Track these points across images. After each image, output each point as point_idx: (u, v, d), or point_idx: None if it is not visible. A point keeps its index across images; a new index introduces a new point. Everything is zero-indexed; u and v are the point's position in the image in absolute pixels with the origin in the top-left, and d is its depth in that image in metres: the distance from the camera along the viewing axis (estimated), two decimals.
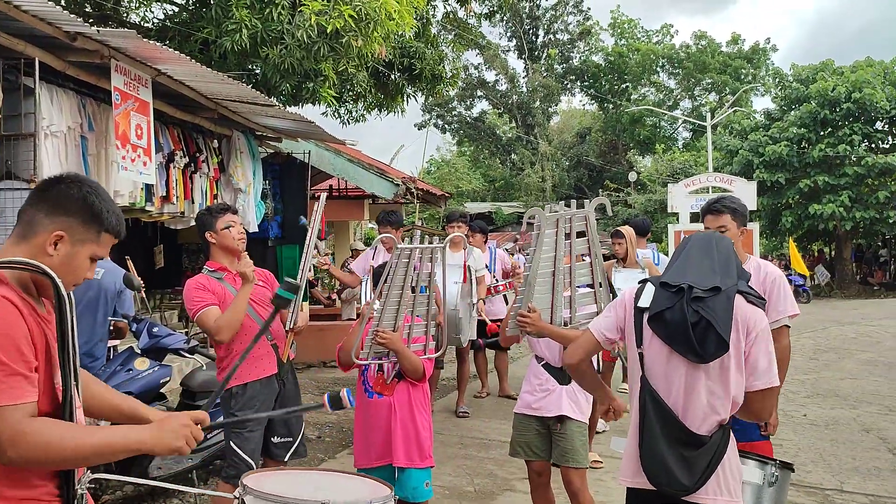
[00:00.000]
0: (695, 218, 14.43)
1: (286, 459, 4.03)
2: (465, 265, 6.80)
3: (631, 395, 2.72)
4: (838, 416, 7.84)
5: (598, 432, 6.17)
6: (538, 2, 38.83)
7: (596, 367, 3.57)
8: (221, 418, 4.11)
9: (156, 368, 4.73)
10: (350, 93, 10.00)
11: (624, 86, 41.10)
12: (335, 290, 13.59)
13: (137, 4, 9.90)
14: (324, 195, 4.34)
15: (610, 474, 5.54)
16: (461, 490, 5.37)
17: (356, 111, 11.31)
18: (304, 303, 9.90)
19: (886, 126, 26.49)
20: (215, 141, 7.40)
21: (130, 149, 5.41)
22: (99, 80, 5.47)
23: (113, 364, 4.76)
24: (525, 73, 40.06)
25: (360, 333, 3.61)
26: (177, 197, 6.65)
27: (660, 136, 39.68)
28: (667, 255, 9.95)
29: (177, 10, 9.14)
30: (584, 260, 3.60)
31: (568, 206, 3.49)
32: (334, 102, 9.31)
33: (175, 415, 1.95)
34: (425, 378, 3.76)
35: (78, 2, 8.92)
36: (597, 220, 3.59)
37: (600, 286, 3.60)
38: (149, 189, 6.18)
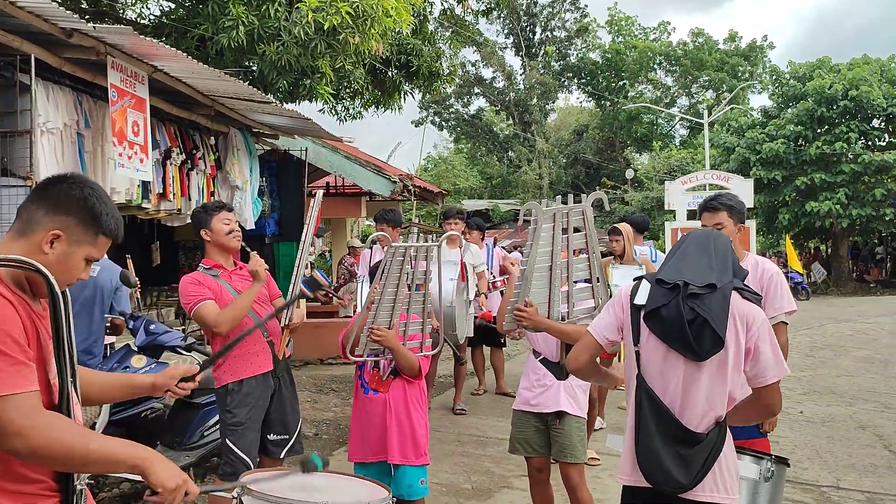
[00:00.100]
0: (692, 215, 14.44)
1: (282, 457, 4.03)
2: (461, 262, 6.81)
3: (627, 392, 2.72)
4: (834, 413, 7.86)
5: (595, 430, 6.18)
6: None
7: None
8: (217, 417, 4.11)
9: (152, 366, 4.72)
10: (347, 90, 9.98)
11: (621, 83, 41.09)
12: (332, 288, 13.59)
13: (134, 1, 9.86)
14: (320, 192, 4.34)
15: (607, 471, 5.55)
16: (458, 487, 5.38)
17: (353, 108, 11.29)
18: (300, 300, 9.91)
19: (883, 124, 26.53)
20: (212, 138, 7.39)
21: (127, 146, 5.40)
22: (95, 76, 5.45)
23: (110, 361, 4.75)
24: (522, 71, 40.06)
25: (357, 328, 3.61)
26: (173, 194, 6.63)
27: (657, 134, 39.70)
28: (664, 252, 9.96)
29: (173, 6, 9.11)
30: (581, 255, 3.60)
31: (565, 201, 3.49)
32: (331, 99, 9.29)
33: (176, 468, 1.89)
34: (421, 375, 3.76)
35: None
36: (594, 217, 3.59)
37: (598, 281, 3.60)
38: (145, 186, 6.17)
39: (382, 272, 3.48)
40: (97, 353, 4.87)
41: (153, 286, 10.90)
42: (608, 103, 40.08)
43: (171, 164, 6.57)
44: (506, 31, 40.17)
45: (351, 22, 7.24)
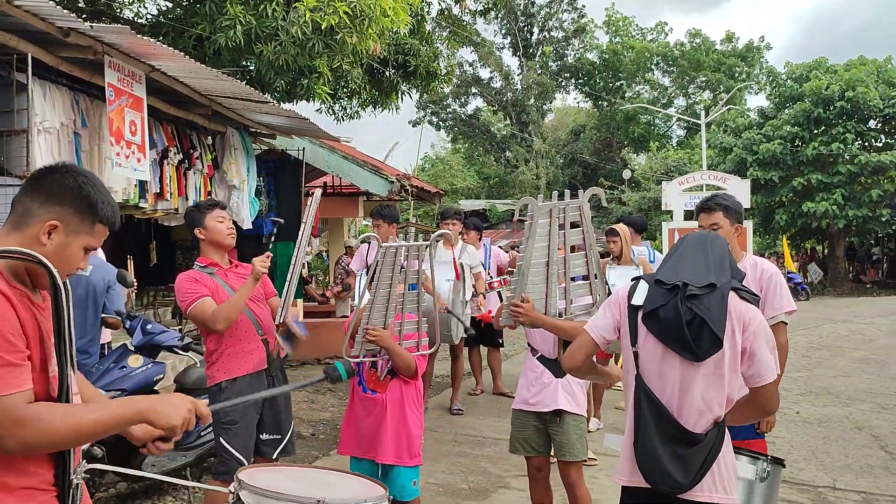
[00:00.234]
0: (689, 216, 14.47)
1: (275, 457, 4.02)
2: (454, 262, 6.81)
3: (626, 393, 2.72)
4: (831, 413, 7.88)
5: (590, 430, 6.18)
6: None
7: None
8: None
9: (149, 366, 4.72)
10: (344, 89, 9.99)
11: (618, 83, 41.13)
12: (329, 287, 13.59)
13: (131, 0, 9.86)
14: (318, 192, 4.33)
15: (604, 471, 5.55)
16: (455, 487, 5.38)
17: (350, 108, 11.29)
18: (297, 299, 9.90)
19: (879, 124, 26.59)
20: (209, 137, 7.38)
21: (125, 145, 5.39)
22: (92, 76, 5.45)
23: (106, 361, 4.74)
24: (519, 71, 40.09)
25: (352, 327, 3.61)
26: (171, 193, 6.63)
27: (654, 134, 39.74)
28: (661, 252, 9.97)
29: (171, 5, 9.10)
30: (578, 251, 3.60)
31: (562, 197, 3.48)
32: (329, 99, 9.29)
33: (180, 395, 1.95)
34: (418, 375, 3.76)
35: None
36: (592, 217, 3.59)
37: (595, 277, 3.60)
38: (142, 185, 6.17)
39: (374, 272, 3.48)
40: (93, 352, 4.86)
41: (150, 286, 10.89)
42: (605, 104, 40.12)
43: (168, 163, 6.57)
44: (503, 32, 40.22)
45: (348, 22, 7.25)
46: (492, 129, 40.60)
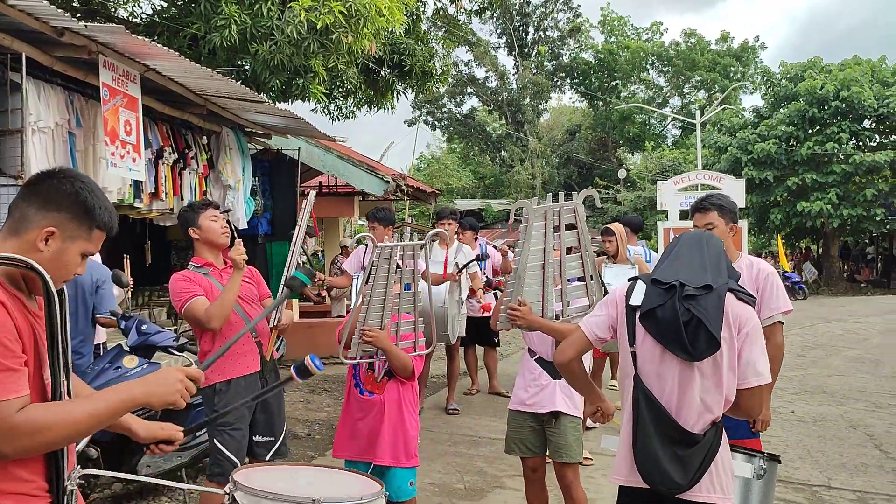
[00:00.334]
0: (684, 215, 14.48)
1: (268, 459, 4.02)
2: (445, 261, 6.81)
3: (623, 393, 2.71)
4: (826, 412, 7.89)
5: (587, 428, 6.18)
6: None
7: (587, 366, 3.57)
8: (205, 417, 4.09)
9: (144, 366, 4.70)
10: (340, 89, 9.97)
11: (613, 83, 41.18)
12: (325, 288, 13.57)
13: None
14: (312, 193, 4.32)
15: (600, 471, 5.56)
16: (451, 487, 5.38)
17: (346, 108, 11.27)
18: (292, 299, 9.89)
19: (874, 124, 26.66)
20: (204, 137, 7.37)
21: (119, 145, 5.38)
22: (87, 75, 5.43)
23: (101, 362, 4.73)
24: (515, 70, 40.14)
25: (349, 327, 3.60)
26: (166, 193, 6.61)
27: (649, 134, 39.82)
28: (656, 251, 9.99)
29: (165, 5, 9.07)
30: (574, 253, 3.60)
31: (556, 199, 3.48)
32: (324, 99, 9.26)
33: (169, 368, 1.94)
34: (415, 376, 3.75)
35: None
36: (587, 217, 3.59)
37: (591, 279, 3.60)
38: (137, 185, 6.15)
39: (370, 273, 3.48)
40: (85, 352, 4.84)
41: (145, 286, 10.86)
42: (601, 103, 40.18)
43: (163, 163, 6.55)
44: (499, 31, 40.24)
45: (344, 21, 7.23)
46: (487, 129, 40.63)
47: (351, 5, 7.24)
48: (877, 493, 5.39)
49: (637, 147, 39.05)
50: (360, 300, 3.60)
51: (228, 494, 2.10)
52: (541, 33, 40.73)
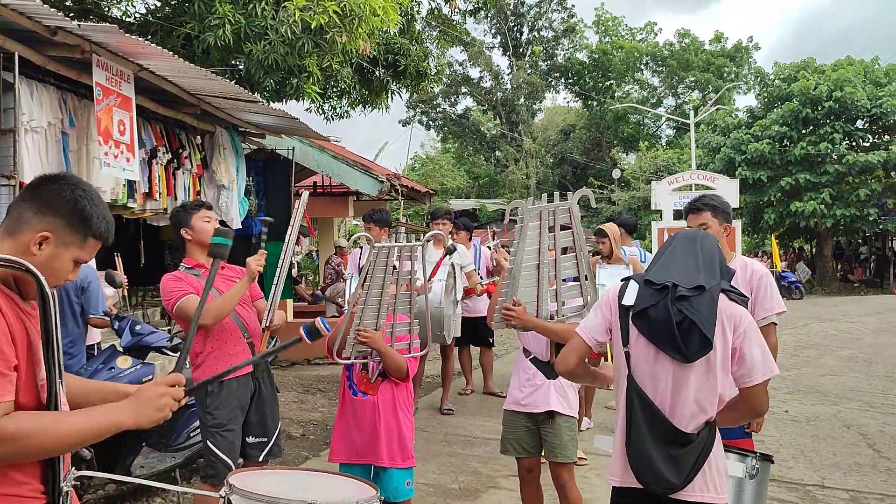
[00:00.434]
0: (678, 215, 14.52)
1: (261, 459, 4.01)
2: (439, 262, 6.81)
3: (617, 393, 2.72)
4: (819, 412, 7.92)
5: (581, 430, 6.19)
6: None
7: None
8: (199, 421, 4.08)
9: (138, 366, 4.69)
10: (334, 89, 9.95)
11: (608, 83, 41.21)
12: (319, 287, 13.55)
13: None
14: (305, 193, 4.31)
15: (594, 471, 5.56)
16: (445, 487, 5.37)
17: (340, 107, 11.26)
18: (285, 300, 9.87)
19: (867, 124, 26.78)
20: (198, 137, 7.35)
21: (113, 145, 5.36)
22: (80, 75, 5.41)
23: (95, 362, 4.72)
24: (509, 70, 40.14)
25: (343, 328, 3.59)
26: (159, 193, 6.59)
27: (643, 134, 39.86)
28: (650, 252, 10.00)
29: (159, 4, 9.04)
30: (569, 253, 3.60)
31: (551, 199, 3.48)
32: (318, 99, 9.26)
33: (148, 384, 1.92)
34: (409, 377, 3.75)
35: None
36: (582, 216, 3.59)
37: (586, 279, 3.61)
38: (131, 185, 6.13)
39: (366, 274, 3.47)
40: (76, 353, 4.82)
41: (139, 286, 10.83)
42: (595, 103, 40.21)
43: (157, 163, 6.53)
44: (493, 31, 40.25)
45: (338, 21, 7.22)
46: (482, 129, 40.63)
47: (345, 5, 7.23)
48: (870, 493, 5.40)
49: (631, 147, 39.12)
50: (353, 305, 3.58)
51: (224, 498, 2.09)
52: (535, 33, 40.76)
